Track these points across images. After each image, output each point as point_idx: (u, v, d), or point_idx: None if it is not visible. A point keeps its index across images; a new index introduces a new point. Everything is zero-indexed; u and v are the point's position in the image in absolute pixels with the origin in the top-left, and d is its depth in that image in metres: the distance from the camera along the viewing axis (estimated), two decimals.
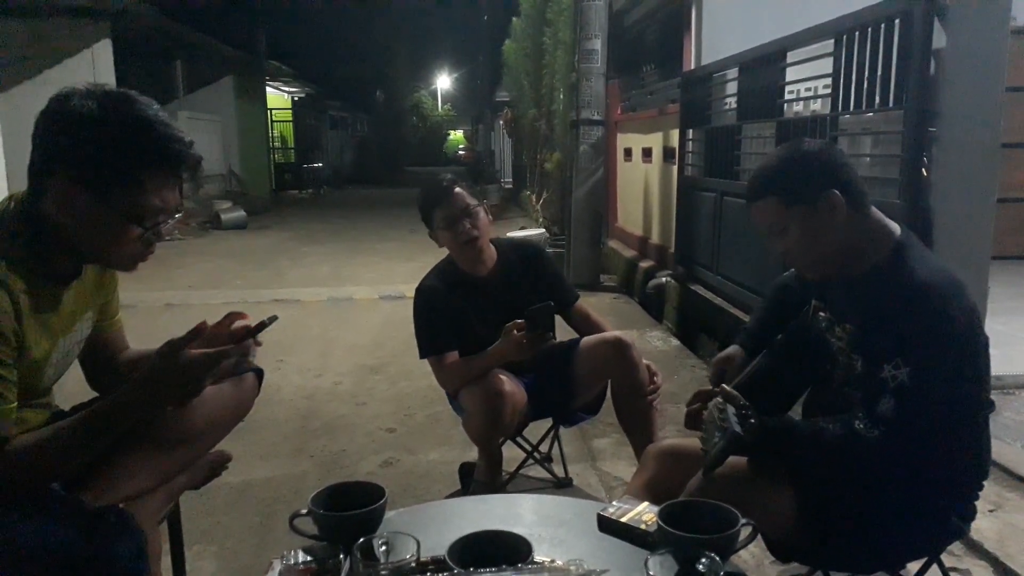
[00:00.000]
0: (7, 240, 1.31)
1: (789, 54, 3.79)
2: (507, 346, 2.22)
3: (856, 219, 1.47)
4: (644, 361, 2.37)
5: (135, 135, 1.29)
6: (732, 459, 1.50)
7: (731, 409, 1.45)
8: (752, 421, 1.43)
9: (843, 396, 1.55)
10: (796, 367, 1.70)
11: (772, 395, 1.66)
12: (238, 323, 1.42)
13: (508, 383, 2.25)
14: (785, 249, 1.52)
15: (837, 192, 1.45)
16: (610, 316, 5.33)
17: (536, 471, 2.75)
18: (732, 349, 1.81)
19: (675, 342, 4.79)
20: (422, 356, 2.38)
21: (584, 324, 2.48)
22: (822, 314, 1.64)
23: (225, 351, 1.33)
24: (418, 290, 2.41)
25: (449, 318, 2.35)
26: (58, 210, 1.30)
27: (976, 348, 1.44)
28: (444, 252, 2.46)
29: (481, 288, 2.39)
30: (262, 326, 1.39)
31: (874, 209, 1.51)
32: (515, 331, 2.20)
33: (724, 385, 1.55)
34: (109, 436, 1.30)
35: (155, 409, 1.35)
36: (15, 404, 1.28)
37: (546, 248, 5.20)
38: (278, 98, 22.26)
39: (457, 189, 2.34)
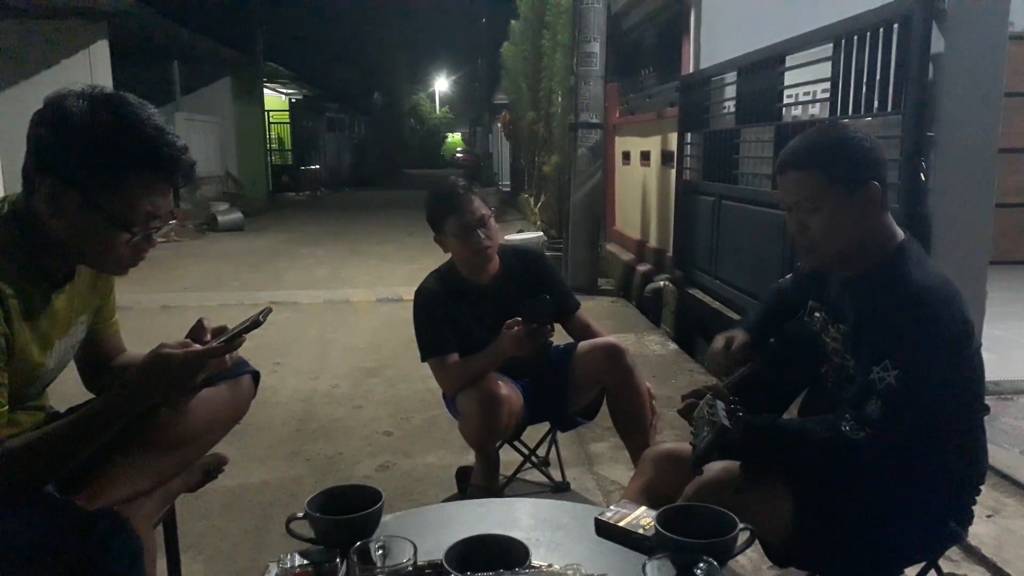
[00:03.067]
0: None
1: (788, 58, 3.80)
2: (505, 341, 2.20)
3: (877, 218, 1.47)
4: (646, 384, 2.36)
5: (124, 138, 1.27)
6: (729, 464, 1.50)
7: (720, 404, 1.44)
8: (740, 415, 1.43)
9: (837, 397, 1.54)
10: (791, 368, 1.69)
11: (767, 396, 1.65)
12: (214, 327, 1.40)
13: (504, 387, 2.24)
14: (805, 227, 1.49)
15: (878, 185, 1.44)
16: (608, 320, 5.35)
17: (533, 475, 2.75)
18: (737, 332, 1.77)
19: (673, 346, 4.79)
20: (424, 359, 2.35)
21: (584, 334, 2.45)
22: (818, 314, 1.63)
23: (212, 350, 1.32)
24: (417, 293, 2.39)
25: (448, 323, 2.33)
26: (48, 212, 1.29)
27: (968, 356, 1.44)
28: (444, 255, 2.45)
29: (482, 295, 2.37)
30: (256, 324, 1.36)
31: (888, 213, 1.51)
32: (513, 327, 2.19)
33: (716, 383, 1.55)
34: (100, 438, 1.30)
35: (145, 409, 1.34)
36: (6, 407, 1.28)
37: (545, 253, 5.19)
38: (276, 100, 22.26)
39: (473, 197, 2.29)
